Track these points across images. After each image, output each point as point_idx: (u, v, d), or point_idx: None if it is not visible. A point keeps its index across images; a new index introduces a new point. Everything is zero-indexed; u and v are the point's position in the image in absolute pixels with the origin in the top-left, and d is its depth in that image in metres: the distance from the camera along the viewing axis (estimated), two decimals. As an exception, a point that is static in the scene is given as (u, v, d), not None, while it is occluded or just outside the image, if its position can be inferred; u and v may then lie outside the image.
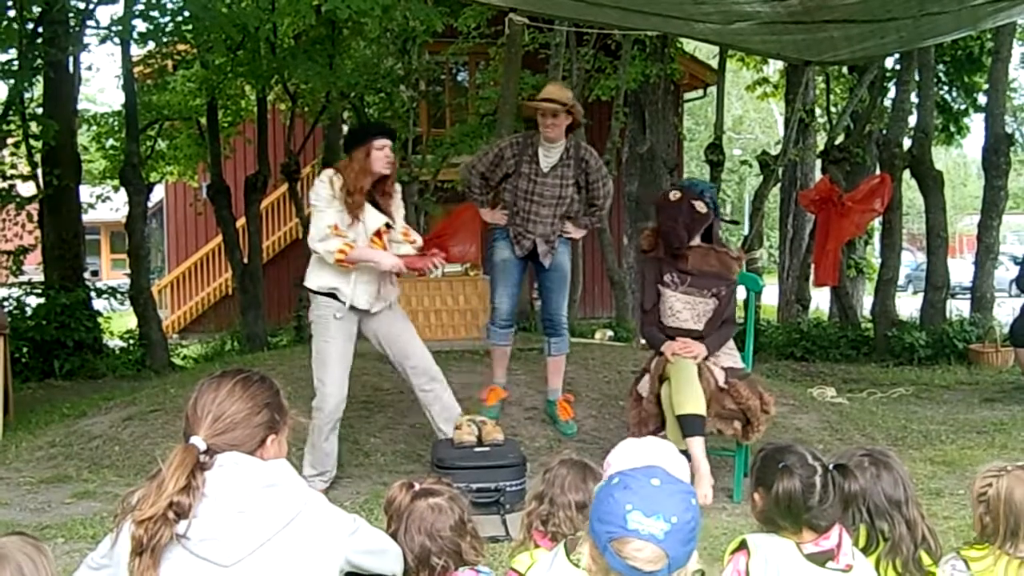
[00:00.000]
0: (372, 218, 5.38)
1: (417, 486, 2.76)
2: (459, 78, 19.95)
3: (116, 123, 14.45)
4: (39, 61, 10.81)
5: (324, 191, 5.31)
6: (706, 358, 5.44)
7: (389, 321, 5.62)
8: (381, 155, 5.38)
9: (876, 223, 13.44)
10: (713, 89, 16.46)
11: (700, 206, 5.50)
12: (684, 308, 5.53)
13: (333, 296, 5.40)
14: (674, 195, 5.62)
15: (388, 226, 5.47)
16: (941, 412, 8.03)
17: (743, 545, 2.51)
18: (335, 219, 5.26)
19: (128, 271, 12.42)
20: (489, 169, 6.45)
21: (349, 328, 5.49)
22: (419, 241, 5.72)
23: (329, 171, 5.43)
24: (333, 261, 5.24)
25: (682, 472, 2.35)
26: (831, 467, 2.56)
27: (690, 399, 5.21)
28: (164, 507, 2.20)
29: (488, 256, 6.70)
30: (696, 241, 5.57)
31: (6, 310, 10.42)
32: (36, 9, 10.69)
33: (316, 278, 5.44)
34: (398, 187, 5.69)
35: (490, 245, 6.62)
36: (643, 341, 6.55)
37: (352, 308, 5.41)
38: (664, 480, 1.93)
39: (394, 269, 5.38)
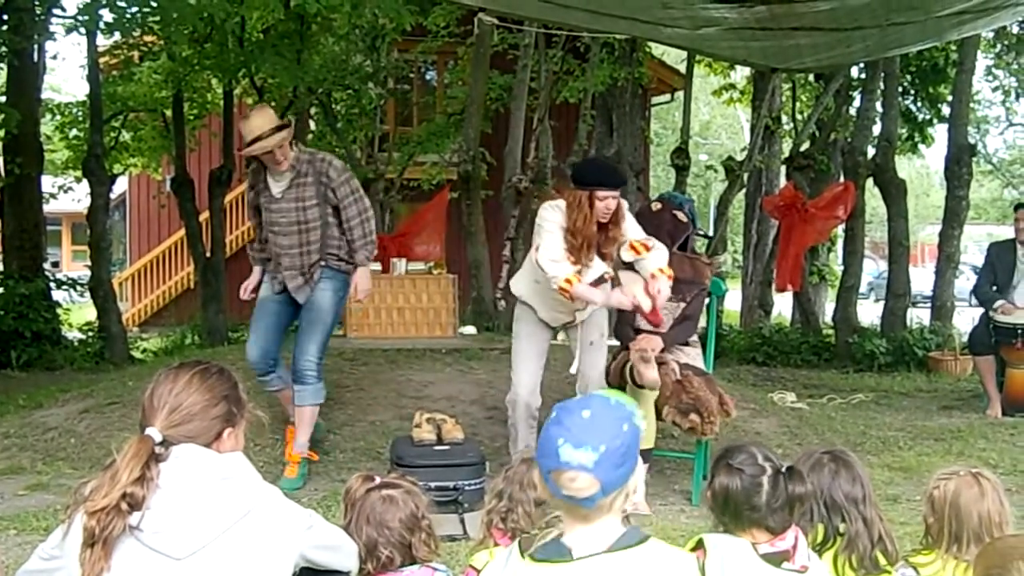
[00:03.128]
0: (592, 271, 5.19)
1: (377, 479, 2.75)
2: (427, 77, 19.92)
3: (80, 113, 14.29)
4: (2, 49, 10.68)
5: (556, 216, 5.11)
6: (664, 350, 5.48)
7: (581, 332, 5.52)
8: (602, 206, 5.06)
9: (839, 230, 13.57)
10: (681, 94, 16.54)
11: (681, 216, 5.68)
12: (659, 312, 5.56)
13: (529, 305, 5.45)
14: (655, 206, 5.87)
15: (603, 279, 5.27)
16: (900, 419, 8.10)
17: (700, 545, 2.52)
18: (565, 247, 5.08)
19: (89, 263, 12.29)
20: (254, 209, 5.82)
21: (544, 329, 5.52)
22: (655, 246, 5.28)
23: (561, 202, 5.15)
24: (555, 287, 5.05)
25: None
26: (783, 469, 2.58)
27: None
28: (117, 498, 2.17)
29: None
30: (674, 249, 5.68)
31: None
32: (0, -4, 10.57)
33: (518, 285, 5.52)
34: (629, 216, 5.30)
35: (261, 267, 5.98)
36: (608, 343, 6.55)
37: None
38: (595, 411, 2.02)
39: (607, 303, 5.18)
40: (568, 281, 4.98)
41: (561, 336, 5.59)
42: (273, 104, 14.12)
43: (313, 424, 5.82)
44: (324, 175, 5.55)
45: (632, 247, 5.24)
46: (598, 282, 5.23)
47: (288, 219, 5.55)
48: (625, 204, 5.29)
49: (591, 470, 1.94)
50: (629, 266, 5.37)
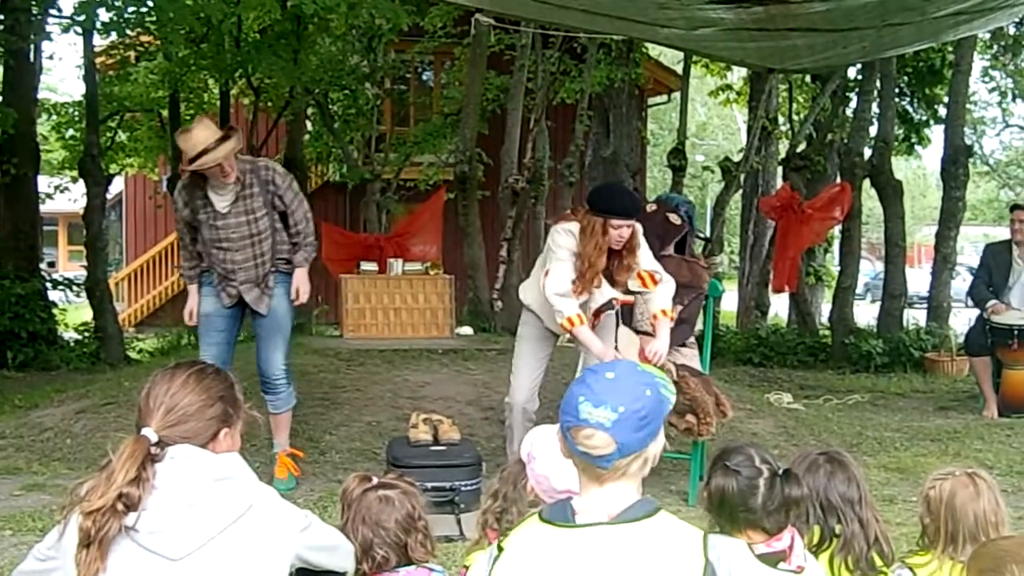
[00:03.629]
0: (600, 295, 5.20)
1: (374, 480, 2.75)
2: (424, 77, 19.94)
3: (76, 113, 14.27)
4: (-1, 49, 10.69)
5: (568, 242, 5.10)
6: None
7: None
8: (616, 234, 5.05)
9: (835, 231, 13.56)
10: (677, 94, 16.55)
11: (674, 218, 5.70)
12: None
13: (536, 315, 5.47)
14: (650, 207, 5.88)
15: (611, 304, 5.31)
16: (896, 419, 8.11)
17: (695, 545, 2.53)
18: (573, 275, 5.08)
19: (85, 263, 12.29)
20: (187, 227, 5.53)
21: (548, 336, 5.51)
22: (661, 277, 5.26)
23: (575, 225, 5.12)
24: (558, 321, 5.11)
25: None
26: (780, 471, 2.58)
27: None
28: (113, 498, 2.16)
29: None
30: (669, 251, 5.68)
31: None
32: (-5, -3, 10.57)
33: (527, 294, 5.50)
34: (643, 244, 5.25)
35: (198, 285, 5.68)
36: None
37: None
38: (620, 373, 2.04)
39: (602, 356, 5.00)
40: (571, 320, 5.02)
41: (567, 336, 5.56)
42: (270, 104, 14.17)
43: (289, 425, 5.79)
44: (271, 183, 5.40)
45: (640, 277, 5.22)
46: (605, 307, 5.26)
47: (240, 233, 5.36)
48: (640, 230, 5.23)
49: (608, 429, 1.96)
50: (628, 326, 5.46)
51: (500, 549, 2.12)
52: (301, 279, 5.56)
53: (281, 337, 5.61)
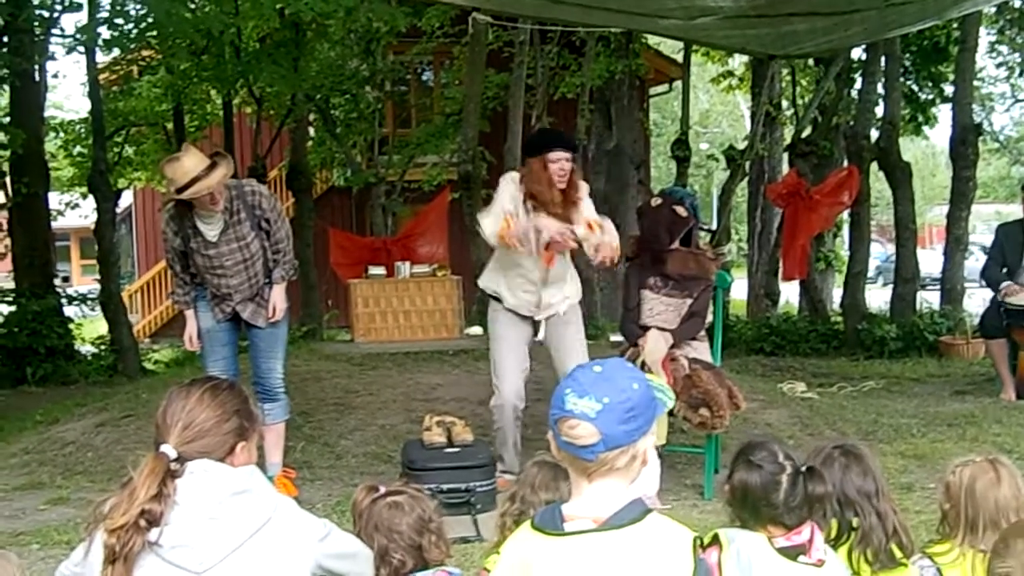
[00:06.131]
0: (549, 230, 5.29)
1: (382, 489, 2.79)
2: (424, 78, 19.94)
3: (83, 130, 14.36)
4: (5, 71, 10.75)
5: (507, 189, 5.38)
6: (672, 346, 5.51)
7: (558, 330, 5.61)
8: (556, 168, 5.30)
9: (844, 215, 13.51)
10: (679, 83, 16.52)
11: (680, 210, 5.68)
12: (665, 309, 5.65)
13: (497, 299, 5.58)
14: (655, 201, 5.85)
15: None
16: (912, 405, 8.01)
17: (715, 540, 2.54)
18: (510, 210, 5.29)
19: (98, 277, 12.37)
20: (179, 254, 5.45)
21: (520, 326, 5.58)
22: (608, 227, 5.43)
23: (515, 174, 5.48)
24: (492, 242, 5.35)
25: (651, 463, 2.44)
26: (803, 468, 2.59)
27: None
28: (136, 515, 2.20)
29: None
30: (676, 245, 5.70)
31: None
32: (1, 19, 10.61)
33: (485, 279, 5.68)
34: (584, 187, 5.53)
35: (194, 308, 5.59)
36: (613, 339, 6.59)
37: (515, 312, 5.51)
38: (607, 368, 2.06)
39: (526, 232, 5.22)
40: (501, 231, 5.22)
41: (542, 333, 5.61)
42: (272, 112, 14.21)
43: (283, 442, 5.76)
44: (257, 208, 5.37)
45: (588, 225, 5.37)
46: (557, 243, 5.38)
47: (233, 260, 5.35)
48: (582, 180, 5.53)
49: (592, 419, 1.97)
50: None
51: (497, 553, 2.15)
52: (278, 296, 5.53)
53: (280, 347, 5.63)
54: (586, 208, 5.44)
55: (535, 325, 5.60)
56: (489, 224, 5.30)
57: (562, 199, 5.35)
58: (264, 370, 5.58)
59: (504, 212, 5.29)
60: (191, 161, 5.08)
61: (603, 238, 5.26)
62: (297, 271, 5.79)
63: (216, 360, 5.53)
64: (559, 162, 5.31)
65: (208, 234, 5.27)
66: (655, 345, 5.42)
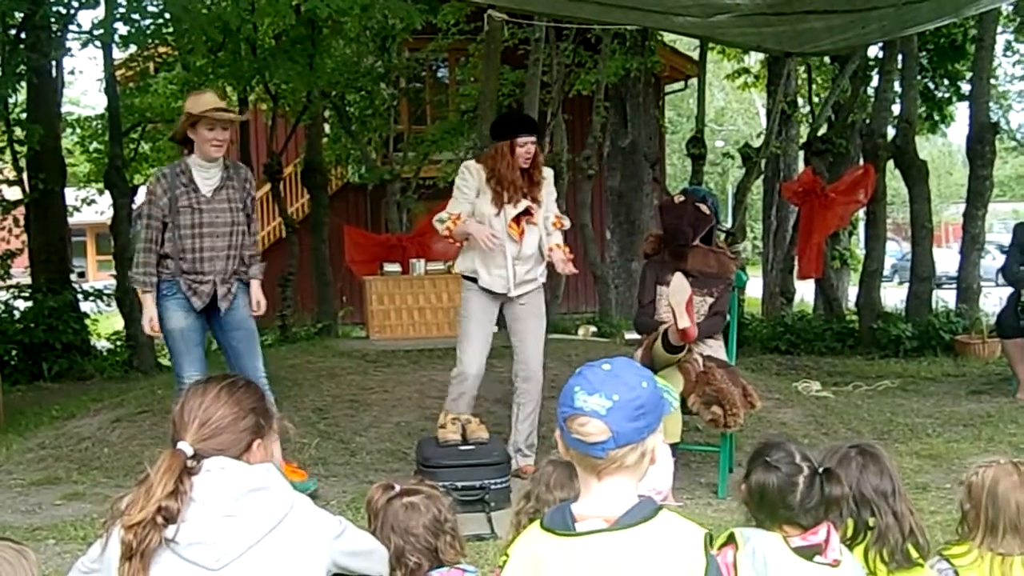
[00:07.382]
0: (519, 205, 5.67)
1: (397, 487, 2.79)
2: (439, 75, 19.94)
3: (100, 126, 14.42)
4: (22, 67, 10.80)
5: (470, 180, 5.70)
6: (693, 342, 5.49)
7: (522, 312, 5.85)
8: (523, 152, 5.64)
9: (860, 214, 13.46)
10: (694, 80, 16.48)
11: (704, 208, 5.69)
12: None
13: (473, 280, 5.78)
14: (678, 198, 5.93)
15: (528, 211, 5.70)
16: (927, 405, 7.99)
17: (731, 539, 2.54)
18: (465, 211, 5.64)
19: (114, 272, 12.42)
20: (160, 222, 5.28)
21: (489, 309, 5.83)
22: (567, 225, 5.94)
23: (472, 163, 5.86)
24: (441, 232, 5.71)
25: (663, 460, 2.47)
26: (820, 470, 2.58)
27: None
28: (152, 512, 2.21)
29: (162, 324, 5.37)
30: (697, 242, 5.70)
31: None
32: (18, 15, 10.67)
33: (460, 262, 5.89)
34: (548, 172, 5.89)
35: (160, 307, 5.34)
36: (628, 336, 6.58)
37: (489, 292, 5.73)
38: (616, 366, 2.07)
39: (479, 234, 5.53)
40: (448, 229, 5.63)
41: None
42: (288, 109, 14.24)
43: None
44: (247, 181, 5.43)
45: (557, 221, 5.82)
46: (522, 215, 5.67)
47: (223, 219, 5.30)
48: (545, 165, 5.93)
49: (603, 416, 1.98)
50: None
51: (506, 556, 2.15)
52: (258, 291, 5.56)
53: (256, 345, 5.59)
54: (548, 198, 5.83)
55: (502, 307, 5.86)
56: (439, 225, 5.71)
57: (525, 180, 5.69)
58: (251, 370, 5.45)
59: (452, 215, 5.63)
60: (211, 96, 5.33)
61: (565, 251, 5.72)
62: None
63: (193, 361, 5.39)
64: (526, 146, 5.64)
65: (204, 188, 5.26)
66: (679, 285, 5.40)
